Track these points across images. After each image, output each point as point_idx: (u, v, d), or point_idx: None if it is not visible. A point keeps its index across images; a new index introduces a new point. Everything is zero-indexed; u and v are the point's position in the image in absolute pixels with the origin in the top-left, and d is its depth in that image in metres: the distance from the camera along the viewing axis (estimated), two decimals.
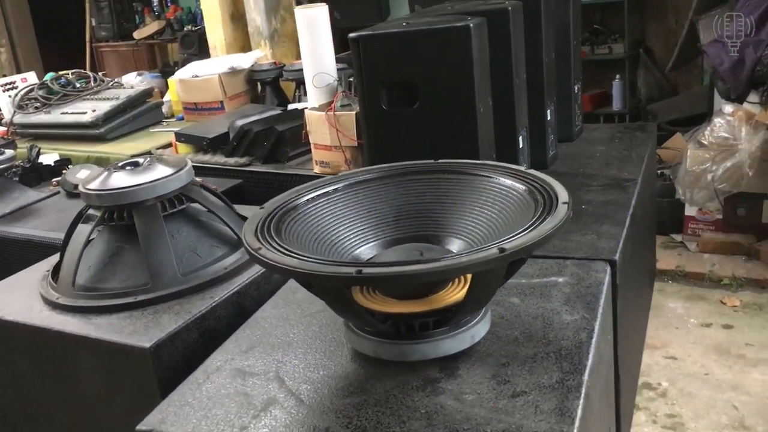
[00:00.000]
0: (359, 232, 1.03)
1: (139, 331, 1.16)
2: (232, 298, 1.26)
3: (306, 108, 2.57)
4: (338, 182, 1.08)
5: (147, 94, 3.40)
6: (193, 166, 2.79)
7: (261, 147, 2.60)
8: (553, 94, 1.99)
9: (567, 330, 0.99)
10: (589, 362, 0.92)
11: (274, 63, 3.36)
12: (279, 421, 0.87)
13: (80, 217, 1.43)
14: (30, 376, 1.30)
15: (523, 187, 0.93)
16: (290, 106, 2.91)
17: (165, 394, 1.11)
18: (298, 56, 3.49)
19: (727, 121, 3.05)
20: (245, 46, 4.59)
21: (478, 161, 1.03)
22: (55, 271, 1.38)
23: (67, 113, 3.30)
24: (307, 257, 0.85)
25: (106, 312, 1.23)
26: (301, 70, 3.14)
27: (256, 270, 1.33)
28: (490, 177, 0.98)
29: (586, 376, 0.89)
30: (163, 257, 1.28)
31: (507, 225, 0.93)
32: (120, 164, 1.39)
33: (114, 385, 1.19)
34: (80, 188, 1.35)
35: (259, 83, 3.35)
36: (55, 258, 1.51)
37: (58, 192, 2.57)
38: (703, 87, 4.14)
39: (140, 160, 1.39)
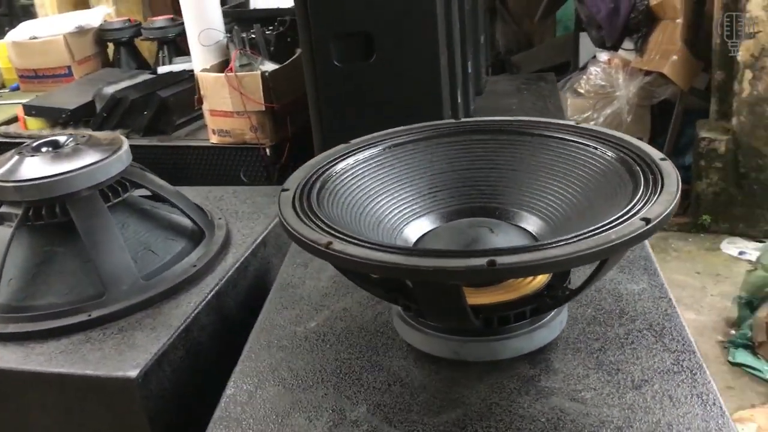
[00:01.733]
0: (406, 205, 0.86)
1: (112, 357, 0.91)
2: (212, 301, 1.03)
3: (194, 70, 2.27)
4: (375, 145, 0.90)
5: None
6: None
7: (140, 117, 2.28)
8: (470, 45, 1.89)
9: (644, 301, 0.90)
10: (691, 337, 0.82)
11: (128, 20, 2.95)
12: None
13: None
14: None
15: (612, 154, 0.80)
16: (161, 69, 2.57)
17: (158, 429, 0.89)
18: (149, 13, 3.12)
19: (603, 68, 3.14)
20: (80, 3, 4.03)
21: (543, 119, 0.89)
22: None
23: None
24: (405, 248, 0.67)
25: (52, 336, 0.96)
26: (164, 28, 2.81)
27: (229, 265, 1.10)
28: (564, 139, 0.84)
29: (698, 354, 0.79)
30: (117, 259, 1.02)
31: (590, 197, 0.80)
32: (32, 146, 1.09)
33: (84, 427, 0.93)
34: None
35: (111, 44, 2.94)
36: None
37: None
38: (561, 37, 4.26)
39: (60, 139, 1.10)
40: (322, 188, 0.83)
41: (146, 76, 2.44)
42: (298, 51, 2.23)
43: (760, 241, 2.98)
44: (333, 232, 0.71)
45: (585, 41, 3.65)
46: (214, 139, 2.15)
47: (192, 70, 2.42)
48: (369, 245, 0.67)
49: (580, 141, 0.85)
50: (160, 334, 0.94)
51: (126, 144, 1.11)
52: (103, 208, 1.03)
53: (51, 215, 1.02)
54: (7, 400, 0.94)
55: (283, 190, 0.82)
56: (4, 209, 1.03)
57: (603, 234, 0.64)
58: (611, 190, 0.77)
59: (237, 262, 1.11)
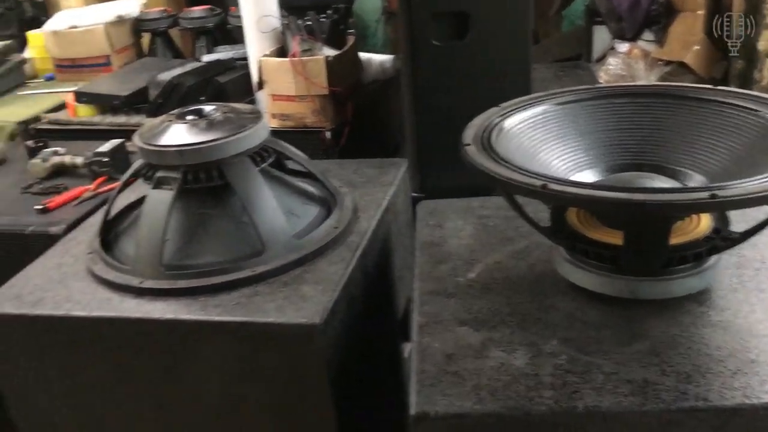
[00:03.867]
0: (573, 157, 0.93)
1: (287, 308, 0.96)
2: (360, 259, 1.09)
3: (248, 57, 2.34)
4: (545, 102, 0.97)
5: (10, 50, 2.88)
6: (105, 130, 2.45)
7: (196, 103, 2.32)
8: None
9: None
10: None
11: (165, 10, 2.98)
12: (586, 380, 0.76)
13: (125, 184, 1.17)
14: (115, 385, 1.04)
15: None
16: (205, 58, 2.61)
17: (332, 378, 0.95)
18: (184, 4, 3.15)
19: (622, 59, 3.23)
20: None
21: (700, 86, 0.96)
22: (107, 252, 1.11)
23: None
24: (625, 187, 0.74)
25: (222, 290, 1.01)
26: (203, 18, 2.86)
27: (364, 228, 1.16)
28: (724, 102, 0.92)
29: None
30: (273, 219, 1.07)
31: (753, 154, 0.87)
32: (176, 115, 1.14)
33: (255, 376, 0.98)
34: (140, 144, 1.09)
35: (149, 34, 2.97)
36: (78, 239, 1.22)
37: None
38: (570, 31, 4.35)
39: (204, 108, 1.15)
40: (497, 142, 0.90)
41: (196, 64, 2.48)
42: (351, 38, 2.29)
43: None
44: (539, 176, 0.78)
45: (596, 35, 3.75)
46: (273, 123, 2.21)
47: (240, 58, 2.47)
48: (586, 186, 0.74)
49: (727, 101, 0.93)
50: (326, 288, 1.00)
51: (266, 115, 1.16)
52: (256, 171, 1.09)
53: (208, 179, 1.07)
54: (185, 351, 0.99)
55: (465, 145, 0.89)
56: (161, 173, 1.08)
57: None
58: None
59: (371, 225, 1.17)
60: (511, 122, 0.94)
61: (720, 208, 0.82)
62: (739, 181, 0.71)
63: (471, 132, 0.91)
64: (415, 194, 1.58)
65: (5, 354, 1.07)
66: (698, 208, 0.72)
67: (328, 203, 1.22)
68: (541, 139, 0.94)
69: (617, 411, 0.72)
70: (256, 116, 1.15)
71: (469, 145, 0.88)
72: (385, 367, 1.28)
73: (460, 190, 1.25)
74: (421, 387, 0.78)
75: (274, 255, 1.05)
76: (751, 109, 0.90)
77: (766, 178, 0.70)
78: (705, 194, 0.69)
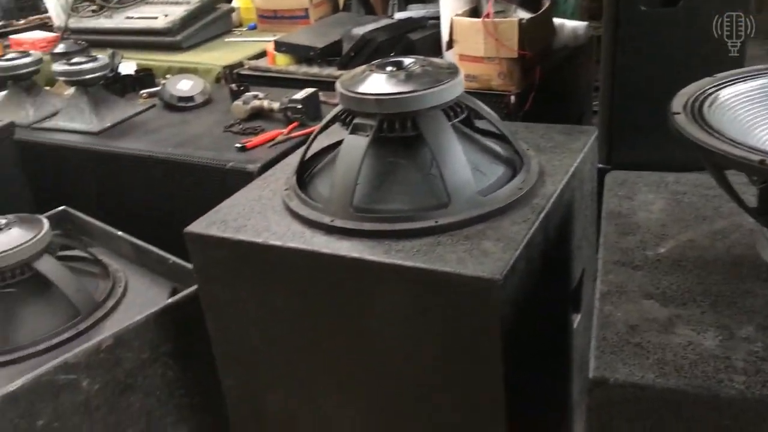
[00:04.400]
0: None
1: (468, 260, 0.98)
2: (543, 221, 1.08)
3: (440, 16, 2.35)
4: (762, 76, 0.90)
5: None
6: (299, 80, 2.57)
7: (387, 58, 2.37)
8: None
9: None
10: None
11: None
12: None
13: (324, 128, 1.23)
14: (300, 313, 1.12)
15: None
16: (398, 15, 2.66)
17: (504, 335, 0.96)
18: None
19: None
20: None
21: None
22: (302, 190, 1.19)
23: (132, 18, 2.99)
24: None
25: (405, 237, 1.05)
26: None
27: (550, 191, 1.15)
28: None
29: None
30: (461, 173, 1.09)
31: None
32: (377, 65, 1.18)
33: (429, 323, 1.02)
34: (341, 91, 1.14)
35: None
36: (276, 176, 1.31)
37: (154, 105, 2.32)
38: None
39: (404, 60, 1.19)
40: (709, 113, 0.85)
41: (389, 21, 2.53)
42: (546, 1, 2.24)
43: None
44: (758, 151, 0.73)
45: None
46: None
47: (432, 17, 2.49)
48: None
49: None
50: (507, 245, 1.01)
51: (462, 71, 1.17)
52: (448, 125, 1.11)
53: (402, 128, 1.10)
54: (366, 290, 1.05)
55: (674, 113, 0.85)
56: (358, 120, 1.13)
57: None
58: None
59: (557, 189, 1.15)
60: (727, 93, 0.89)
61: None
62: None
63: (680, 101, 0.87)
64: (601, 165, 1.53)
65: (208, 272, 1.18)
66: None
67: (514, 164, 1.21)
68: (758, 115, 0.88)
69: None
70: (453, 72, 1.16)
71: (678, 113, 0.85)
72: (553, 335, 1.27)
73: (650, 165, 1.21)
74: (601, 353, 0.77)
75: (458, 209, 1.07)
76: None
77: None
78: None
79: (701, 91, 0.90)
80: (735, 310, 0.82)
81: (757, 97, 0.91)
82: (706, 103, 0.87)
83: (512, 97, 2.13)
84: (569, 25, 2.43)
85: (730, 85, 0.92)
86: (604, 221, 1.05)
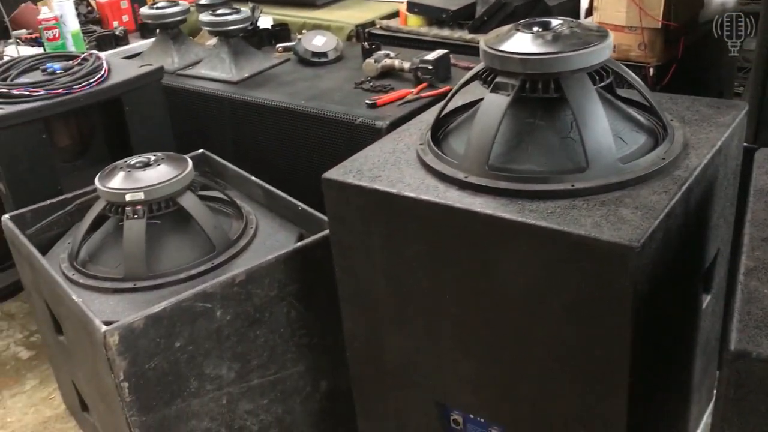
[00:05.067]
0: None
1: (605, 225, 0.97)
2: (684, 195, 1.05)
3: None
4: None
5: None
6: (430, 41, 2.56)
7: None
8: None
9: None
10: None
11: None
12: None
13: (464, 85, 1.23)
14: (426, 265, 1.15)
15: None
16: None
17: (636, 302, 0.95)
18: None
19: None
20: None
21: None
22: (436, 145, 1.21)
23: None
24: None
25: (539, 198, 1.05)
26: None
27: (694, 164, 1.11)
28: None
29: None
30: (602, 138, 1.07)
31: None
32: (523, 24, 1.17)
33: (560, 287, 1.02)
34: (485, 48, 1.14)
35: None
36: (410, 131, 1.33)
37: (288, 59, 2.40)
38: None
39: (551, 21, 1.17)
40: None
41: None
42: None
43: None
44: None
45: None
46: None
47: None
48: None
49: None
50: (646, 214, 0.99)
51: (611, 35, 1.14)
52: (593, 89, 1.09)
53: (544, 90, 1.09)
54: (497, 247, 1.06)
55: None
56: (500, 79, 1.12)
57: None
58: None
59: (701, 162, 1.11)
60: None
61: None
62: None
63: None
64: (747, 144, 1.46)
65: (341, 218, 1.23)
66: None
67: (656, 134, 1.18)
68: None
69: None
70: (603, 35, 1.13)
71: None
72: (682, 312, 1.24)
73: None
74: (744, 327, 0.75)
75: (596, 174, 1.06)
76: None
77: None
78: None
79: None
80: None
81: None
82: None
83: (651, 70, 2.05)
84: None
85: None
86: (752, 198, 1.01)
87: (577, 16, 2.24)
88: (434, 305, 1.17)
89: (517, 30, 1.16)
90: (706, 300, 1.31)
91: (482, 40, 1.17)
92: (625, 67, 1.17)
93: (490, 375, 1.16)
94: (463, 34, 2.44)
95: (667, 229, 1.01)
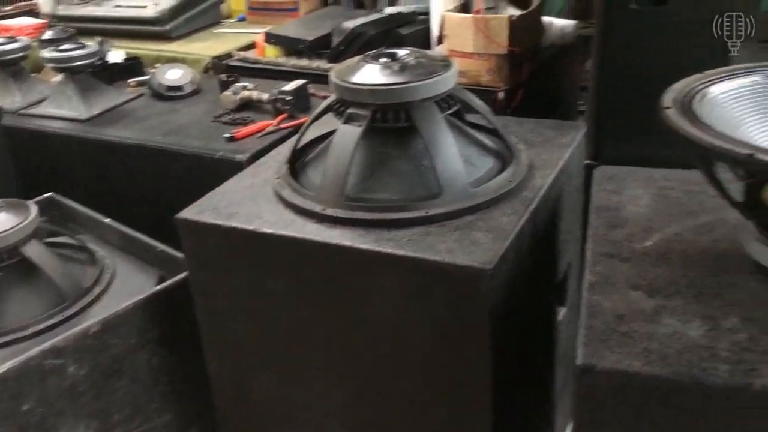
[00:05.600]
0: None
1: (459, 250, 0.99)
2: (532, 215, 1.10)
3: (429, 11, 2.36)
4: (755, 73, 0.93)
5: None
6: (288, 72, 2.56)
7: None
8: None
9: None
10: None
11: None
12: (766, 360, 0.74)
13: (317, 117, 1.24)
14: (290, 300, 1.13)
15: None
16: (388, 9, 2.66)
17: (492, 325, 0.98)
18: None
19: None
20: None
21: None
22: (294, 179, 1.20)
23: (121, 6, 2.97)
24: None
25: (396, 226, 1.06)
26: None
27: (539, 185, 1.16)
28: None
29: None
30: (453, 164, 1.10)
31: None
32: (371, 56, 1.19)
33: (419, 312, 1.03)
34: (335, 81, 1.15)
35: None
36: (267, 165, 1.32)
37: (142, 94, 2.31)
38: None
39: (397, 52, 1.19)
40: (698, 108, 0.87)
41: (379, 15, 2.54)
42: None
43: None
44: (746, 145, 0.75)
45: None
46: None
47: (422, 12, 2.50)
48: None
49: None
50: (497, 236, 1.02)
51: (455, 64, 1.18)
52: (441, 117, 1.12)
53: (395, 119, 1.11)
54: (356, 278, 1.06)
55: (665, 108, 0.86)
56: (352, 110, 1.13)
57: None
58: None
59: (546, 183, 1.17)
60: (716, 90, 0.91)
61: None
62: None
63: (671, 96, 0.89)
64: (588, 162, 1.55)
65: (199, 259, 1.19)
66: None
67: (503, 157, 1.23)
68: (746, 111, 0.90)
69: None
70: (447, 64, 1.17)
71: (669, 108, 0.86)
72: (539, 326, 1.29)
73: (638, 161, 1.22)
74: (589, 341, 0.79)
75: (449, 199, 1.08)
76: None
77: None
78: None
79: (691, 87, 0.91)
80: (720, 302, 0.84)
81: (747, 94, 0.93)
82: (696, 99, 0.89)
83: (500, 94, 2.15)
84: (557, 23, 2.46)
85: (719, 82, 0.94)
86: (592, 215, 1.07)
87: (428, 44, 2.31)
88: (301, 341, 1.15)
89: (366, 61, 1.17)
90: (562, 312, 1.38)
91: (332, 73, 1.17)
92: (470, 94, 1.22)
93: (360, 406, 1.16)
94: (321, 64, 2.46)
95: (518, 248, 1.05)
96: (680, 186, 1.11)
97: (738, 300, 0.84)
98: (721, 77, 0.94)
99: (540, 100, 2.27)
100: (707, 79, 0.93)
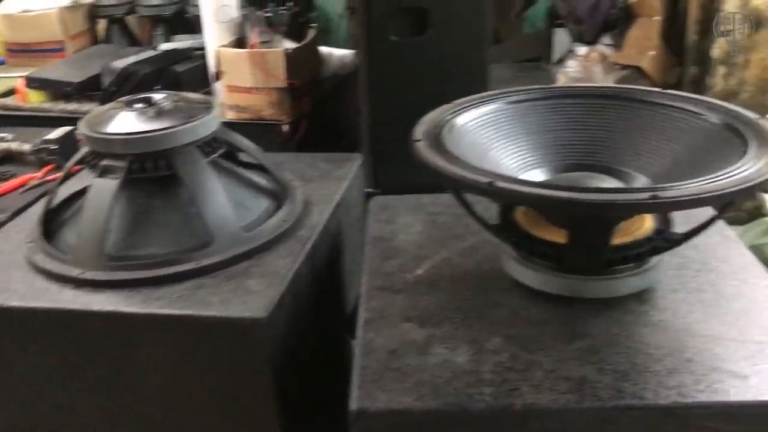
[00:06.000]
0: (523, 156, 0.94)
1: (232, 301, 0.95)
2: (309, 253, 1.08)
3: (205, 47, 2.30)
4: (497, 100, 0.97)
5: None
6: (58, 117, 2.39)
7: (151, 92, 2.28)
8: None
9: (721, 251, 1.00)
10: None
11: None
12: (525, 377, 0.77)
13: (68, 173, 1.14)
14: (55, 378, 1.01)
15: (717, 119, 0.89)
16: (163, 46, 2.57)
17: (275, 374, 0.95)
18: None
19: (580, 62, 3.28)
20: None
21: (648, 88, 0.98)
22: (49, 242, 1.09)
23: None
24: (571, 186, 0.74)
25: (165, 283, 0.99)
26: (161, 5, 2.81)
27: (315, 221, 1.15)
28: (671, 106, 0.93)
29: None
30: (221, 211, 1.06)
31: (696, 155, 0.88)
32: (125, 102, 1.12)
33: (198, 371, 0.97)
34: (85, 132, 1.06)
35: (105, 20, 2.91)
36: (19, 227, 1.19)
37: None
38: (531, 33, 4.41)
39: (153, 96, 1.13)
40: (447, 139, 0.90)
41: (152, 52, 2.44)
42: (312, 31, 2.28)
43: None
44: (487, 174, 0.78)
45: (556, 37, 3.80)
46: (230, 115, 2.18)
47: (198, 48, 2.44)
48: (531, 184, 0.75)
49: (674, 104, 0.94)
50: (272, 282, 0.99)
51: (217, 105, 1.14)
52: (204, 162, 1.07)
53: (155, 168, 1.05)
54: (125, 344, 0.97)
55: (416, 140, 0.88)
56: (106, 162, 1.05)
57: (741, 175, 0.73)
58: (716, 148, 0.86)
59: (323, 219, 1.16)
60: (463, 119, 0.95)
61: (659, 209, 0.83)
62: (679, 183, 0.73)
63: (422, 128, 0.91)
64: (369, 190, 1.58)
65: None
66: (639, 208, 0.73)
67: (279, 197, 1.20)
68: (492, 138, 0.95)
69: (555, 408, 0.73)
70: (207, 106, 1.13)
71: (419, 140, 0.88)
72: (333, 364, 1.28)
73: (416, 187, 1.25)
74: (363, 383, 0.78)
75: (221, 248, 1.04)
76: (696, 113, 0.92)
77: (704, 180, 0.72)
78: (646, 195, 0.70)
79: (441, 117, 0.95)
80: (484, 323, 0.87)
81: (491, 121, 0.98)
82: (445, 129, 0.92)
83: (285, 127, 2.14)
84: (336, 53, 2.50)
85: (466, 110, 0.98)
86: (367, 247, 1.07)
87: (206, 81, 2.25)
88: (71, 416, 1.04)
89: (119, 108, 1.10)
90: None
91: (81, 123, 1.09)
92: (236, 135, 1.18)
93: None
94: (92, 107, 2.30)
95: (297, 290, 1.03)
96: (447, 210, 1.15)
97: (500, 319, 0.87)
98: (467, 106, 0.98)
99: (326, 131, 2.30)
100: (455, 109, 0.97)
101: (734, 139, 0.84)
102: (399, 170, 1.54)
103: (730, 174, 0.74)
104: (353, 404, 0.75)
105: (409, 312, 0.90)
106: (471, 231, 1.08)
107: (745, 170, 0.75)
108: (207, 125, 1.09)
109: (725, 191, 0.69)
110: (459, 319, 0.88)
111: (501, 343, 0.83)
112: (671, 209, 0.85)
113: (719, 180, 0.73)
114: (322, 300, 1.17)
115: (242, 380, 0.96)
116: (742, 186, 0.71)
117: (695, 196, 0.69)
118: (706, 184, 0.71)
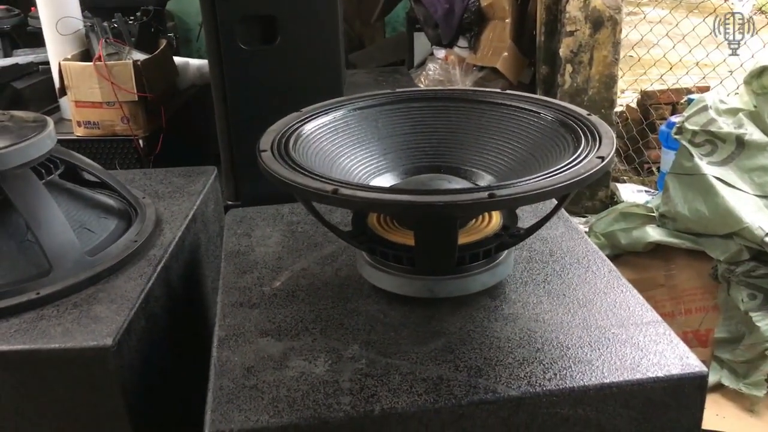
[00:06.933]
0: (372, 162, 0.94)
1: (76, 330, 0.89)
2: (162, 274, 1.04)
3: (49, 61, 2.17)
4: (343, 106, 0.97)
5: None
6: None
7: None
8: None
9: (566, 242, 1.04)
10: (612, 264, 0.98)
11: None
12: (383, 382, 0.77)
13: None
14: None
15: (551, 116, 0.93)
16: (1, 62, 2.39)
17: (129, 400, 0.90)
18: None
19: (440, 64, 3.37)
20: None
21: (489, 90, 1.00)
22: None
23: None
24: (412, 190, 0.75)
25: (1, 317, 0.92)
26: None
27: (168, 240, 1.11)
28: (511, 105, 0.96)
29: (622, 277, 0.95)
30: (61, 236, 0.99)
31: (533, 151, 0.92)
32: None
33: (49, 408, 0.90)
34: None
35: None
36: None
37: None
38: (393, 37, 4.48)
39: None
40: (294, 147, 0.89)
41: None
42: (164, 41, 2.20)
43: (583, 216, 3.35)
44: (331, 181, 0.77)
45: (418, 41, 3.88)
46: (79, 132, 2.07)
47: (42, 62, 2.30)
48: (375, 189, 0.75)
49: (513, 104, 0.98)
50: (121, 306, 0.94)
51: (51, 122, 1.07)
52: (40, 184, 1.00)
53: None
54: None
55: (262, 151, 0.87)
56: None
57: (573, 169, 0.76)
58: (552, 144, 0.90)
59: (175, 236, 1.11)
60: (310, 127, 0.94)
61: (497, 207, 0.86)
62: (515, 181, 0.75)
63: (269, 138, 0.90)
64: (230, 203, 1.54)
65: None
66: (479, 207, 0.75)
67: (128, 216, 1.15)
68: (340, 144, 0.94)
69: (413, 411, 0.73)
70: (41, 124, 1.06)
71: (265, 151, 0.86)
72: (200, 382, 1.23)
73: (276, 197, 1.23)
74: (218, 404, 0.75)
75: (62, 275, 0.97)
76: (534, 112, 0.95)
77: (539, 177, 0.75)
78: (484, 194, 0.72)
79: (287, 126, 0.93)
80: (342, 332, 0.86)
81: (340, 128, 0.98)
82: (292, 139, 0.90)
83: (141, 141, 2.05)
84: (194, 63, 2.43)
85: (314, 118, 0.97)
86: (223, 262, 1.04)
87: (52, 96, 2.12)
88: None
89: None
90: None
91: None
92: (76, 154, 1.11)
93: None
94: None
95: (151, 312, 0.98)
96: (306, 218, 1.14)
97: (358, 326, 0.87)
98: (315, 113, 0.97)
99: (186, 143, 2.22)
100: (303, 117, 0.96)
101: (567, 135, 0.89)
102: (259, 180, 1.51)
103: (564, 168, 0.78)
104: (207, 428, 0.72)
105: (266, 326, 0.88)
106: (330, 239, 1.08)
107: (577, 164, 0.78)
108: (39, 145, 1.02)
109: (557, 186, 0.73)
110: (317, 330, 0.87)
111: (359, 350, 0.83)
112: (509, 206, 0.88)
113: (553, 175, 0.76)
114: (181, 320, 1.12)
115: (95, 409, 0.90)
116: (574, 180, 0.74)
117: (530, 193, 0.72)
118: (541, 180, 0.74)
